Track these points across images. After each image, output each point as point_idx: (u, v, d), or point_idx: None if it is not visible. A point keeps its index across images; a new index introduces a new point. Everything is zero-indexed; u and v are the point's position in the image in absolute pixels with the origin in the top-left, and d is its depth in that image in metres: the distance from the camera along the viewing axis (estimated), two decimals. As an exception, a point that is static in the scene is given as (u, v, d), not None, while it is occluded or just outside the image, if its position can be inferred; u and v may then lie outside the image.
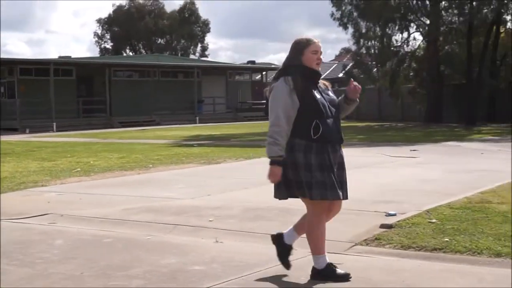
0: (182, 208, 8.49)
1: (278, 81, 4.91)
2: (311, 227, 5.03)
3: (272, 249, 5.32)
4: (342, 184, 4.95)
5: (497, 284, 4.90)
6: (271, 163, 4.79)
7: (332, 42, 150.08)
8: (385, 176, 11.57)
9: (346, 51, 41.31)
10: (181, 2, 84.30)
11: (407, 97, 35.04)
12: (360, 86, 5.04)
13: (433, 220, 7.11)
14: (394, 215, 7.48)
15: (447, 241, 6.18)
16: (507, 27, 34.61)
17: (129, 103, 39.27)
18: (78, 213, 8.34)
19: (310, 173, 4.80)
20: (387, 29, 34.73)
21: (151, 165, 14.17)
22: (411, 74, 35.96)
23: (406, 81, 35.38)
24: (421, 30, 35.27)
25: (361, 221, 7.32)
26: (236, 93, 46.80)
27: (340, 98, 5.13)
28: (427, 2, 33.70)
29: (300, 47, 4.95)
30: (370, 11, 33.16)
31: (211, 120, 41.52)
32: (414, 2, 34.34)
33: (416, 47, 36.43)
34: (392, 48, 35.20)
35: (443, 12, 33.81)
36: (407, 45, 35.91)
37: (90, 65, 42.63)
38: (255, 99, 45.54)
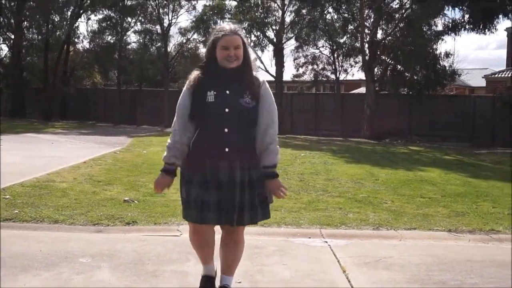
0: None
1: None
2: None
3: None
4: (221, 206, 3.11)
5: (106, 243, 4.92)
6: (161, 170, 3.28)
7: None
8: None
9: None
10: None
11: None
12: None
13: (7, 196, 6.81)
14: (-26, 194, 6.92)
15: (16, 212, 6.00)
16: (76, 46, 34.80)
17: None
18: None
19: (183, 188, 3.22)
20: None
21: None
22: (-1, 78, 33.50)
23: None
24: (7, 43, 33.17)
25: None
26: None
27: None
28: (12, 21, 31.86)
29: (214, 40, 3.19)
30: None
31: None
32: (1, 19, 32.06)
33: (3, 56, 34.15)
34: (-19, 56, 32.46)
35: (25, 30, 32.60)
36: (-5, 54, 33.46)
37: None
38: None
